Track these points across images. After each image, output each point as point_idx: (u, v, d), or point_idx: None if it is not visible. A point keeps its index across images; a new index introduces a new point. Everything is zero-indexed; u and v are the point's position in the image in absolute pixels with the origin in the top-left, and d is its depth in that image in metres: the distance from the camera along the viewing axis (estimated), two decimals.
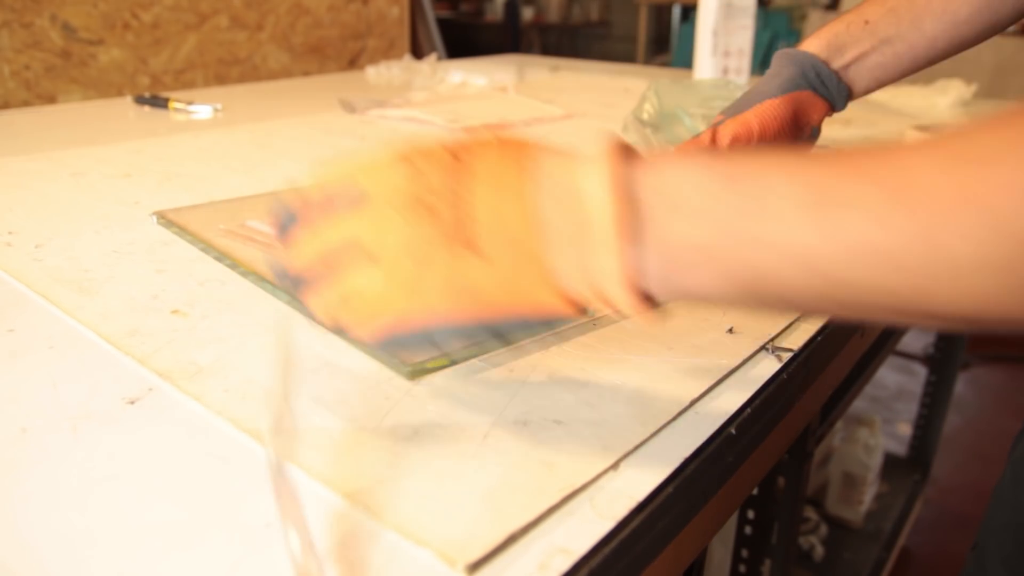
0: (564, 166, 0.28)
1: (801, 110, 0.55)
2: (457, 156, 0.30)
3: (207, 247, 0.53)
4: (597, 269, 0.27)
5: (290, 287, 0.33)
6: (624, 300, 0.27)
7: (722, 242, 0.26)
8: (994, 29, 0.55)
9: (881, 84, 0.57)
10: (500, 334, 0.30)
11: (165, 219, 0.59)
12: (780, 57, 0.57)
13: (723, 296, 0.27)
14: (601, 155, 0.27)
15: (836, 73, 0.56)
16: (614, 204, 0.26)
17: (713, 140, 0.53)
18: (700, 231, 0.26)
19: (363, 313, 0.30)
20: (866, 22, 0.55)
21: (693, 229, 0.26)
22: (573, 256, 0.27)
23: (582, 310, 0.29)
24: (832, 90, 0.56)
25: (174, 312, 0.44)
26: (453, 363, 0.39)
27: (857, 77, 0.57)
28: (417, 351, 0.31)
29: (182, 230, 0.56)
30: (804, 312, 0.27)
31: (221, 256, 0.51)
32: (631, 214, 0.26)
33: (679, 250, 0.26)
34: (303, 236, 0.32)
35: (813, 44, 0.56)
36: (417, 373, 0.38)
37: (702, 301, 0.28)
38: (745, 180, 0.26)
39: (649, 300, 0.27)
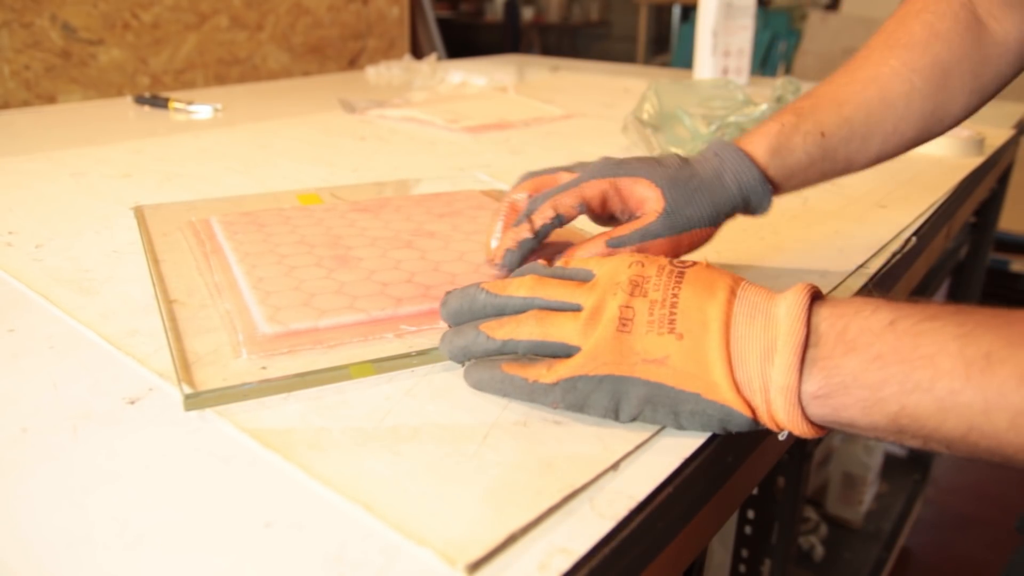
0: (762, 294, 0.34)
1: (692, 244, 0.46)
2: (676, 266, 0.36)
3: (147, 247, 0.52)
4: (772, 380, 0.31)
5: (467, 304, 0.38)
6: (787, 413, 0.31)
7: (886, 385, 0.29)
8: (921, 144, 0.51)
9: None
10: (678, 413, 0.33)
11: (141, 215, 0.59)
12: (728, 173, 0.46)
13: (871, 427, 0.30)
14: (795, 292, 0.32)
15: (772, 189, 0.47)
16: (799, 332, 0.31)
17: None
18: (869, 372, 0.30)
19: (554, 363, 0.35)
20: (822, 134, 0.47)
21: (862, 369, 0.30)
22: (754, 364, 0.32)
23: (749, 409, 0.32)
24: (754, 210, 0.47)
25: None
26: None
27: (785, 187, 0.48)
28: (589, 400, 0.34)
29: (141, 226, 0.56)
30: (943, 450, 0.30)
31: (151, 262, 0.50)
32: (811, 344, 0.31)
33: (846, 384, 0.30)
34: (535, 280, 0.37)
35: (763, 155, 0.46)
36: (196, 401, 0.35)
37: (848, 430, 0.32)
38: (919, 334, 0.29)
39: (807, 418, 0.31)
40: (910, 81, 0.48)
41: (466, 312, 0.38)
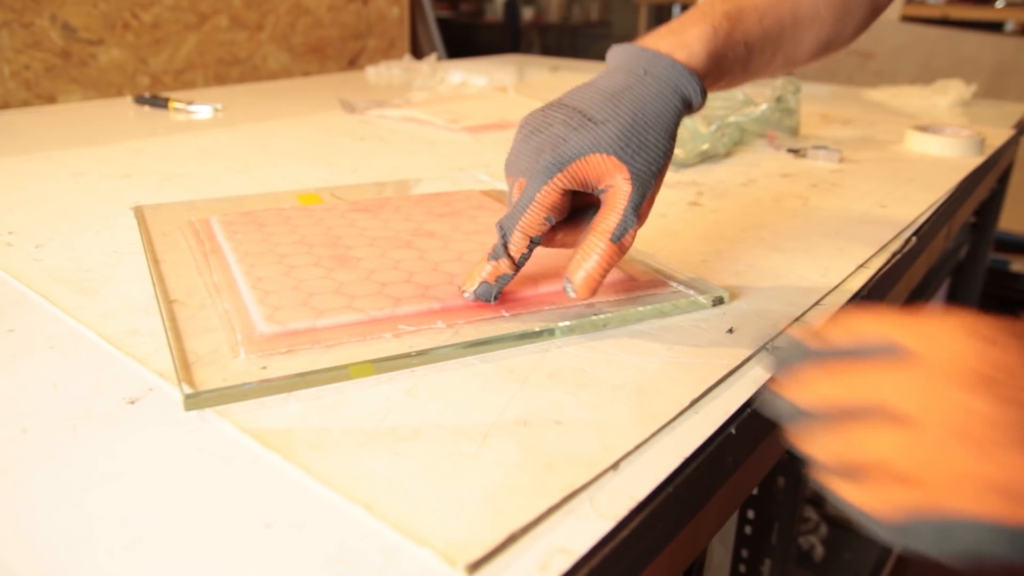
0: None
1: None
2: None
3: (147, 247, 0.52)
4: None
5: (793, 417, 0.30)
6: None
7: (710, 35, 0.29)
8: (801, 67, 0.52)
9: None
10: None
11: (141, 215, 0.59)
12: (671, 92, 0.42)
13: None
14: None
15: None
16: None
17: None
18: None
19: (881, 485, 0.26)
20: (746, 45, 0.45)
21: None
22: None
23: None
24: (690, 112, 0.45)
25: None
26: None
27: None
28: (926, 544, 0.26)
29: (141, 226, 0.56)
30: None
31: (151, 262, 0.50)
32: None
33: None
34: (822, 378, 0.29)
35: (702, 64, 0.43)
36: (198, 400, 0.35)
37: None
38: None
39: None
40: (817, 7, 0.49)
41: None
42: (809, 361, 0.29)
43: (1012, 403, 0.25)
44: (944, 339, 0.27)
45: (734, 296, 0.48)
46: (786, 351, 0.30)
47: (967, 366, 0.26)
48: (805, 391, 0.29)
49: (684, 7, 3.85)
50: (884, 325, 0.28)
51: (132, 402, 0.36)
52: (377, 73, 1.42)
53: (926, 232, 0.64)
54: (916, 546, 0.26)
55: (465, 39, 4.56)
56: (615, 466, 0.32)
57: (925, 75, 1.58)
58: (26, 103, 1.29)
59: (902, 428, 0.26)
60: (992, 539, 0.25)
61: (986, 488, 0.24)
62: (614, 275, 0.49)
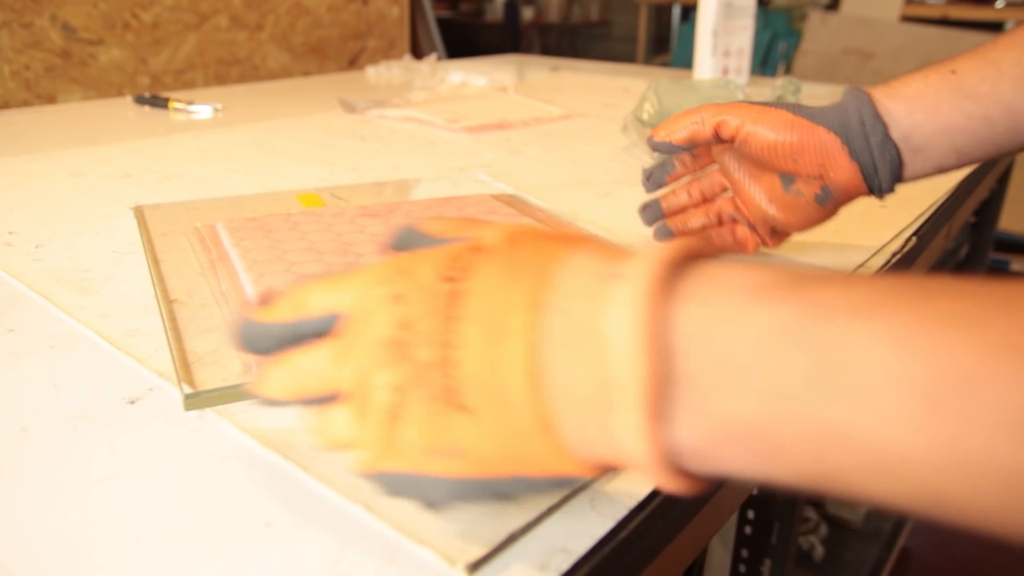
0: (588, 292, 0.22)
1: (813, 153, 0.42)
2: (451, 276, 0.24)
3: (147, 247, 0.52)
4: (619, 440, 0.21)
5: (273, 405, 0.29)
6: (656, 477, 0.21)
7: (783, 428, 0.19)
8: None
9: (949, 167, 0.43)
10: (504, 495, 0.25)
11: (141, 215, 0.59)
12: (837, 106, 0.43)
13: (781, 482, 0.20)
14: (633, 292, 0.20)
15: (896, 145, 0.41)
16: (642, 365, 0.20)
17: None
18: (755, 410, 0.19)
19: (345, 452, 0.27)
20: (953, 71, 0.41)
21: (744, 405, 0.19)
22: (589, 420, 0.22)
23: (606, 470, 0.24)
24: (876, 162, 0.42)
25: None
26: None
27: (923, 152, 0.42)
28: (389, 491, 0.26)
29: (141, 226, 0.56)
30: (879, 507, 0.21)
31: (151, 262, 0.50)
32: (664, 377, 0.20)
33: (724, 428, 0.20)
34: (274, 370, 0.27)
35: (898, 104, 0.41)
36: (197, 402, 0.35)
37: (748, 482, 0.23)
38: (825, 339, 0.18)
39: (689, 475, 0.22)
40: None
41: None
42: (264, 347, 0.28)
43: (410, 363, 0.23)
44: (360, 301, 0.25)
45: None
46: (248, 335, 0.28)
47: (378, 334, 0.24)
48: (266, 384, 0.27)
49: (684, 8, 3.84)
50: (325, 290, 0.26)
51: (132, 402, 0.36)
52: (377, 73, 1.42)
53: (926, 232, 0.64)
54: (384, 492, 0.26)
55: (465, 39, 4.56)
56: None
57: None
58: (26, 103, 1.29)
59: (349, 411, 0.26)
60: (436, 490, 0.24)
61: (421, 454, 0.24)
62: None
